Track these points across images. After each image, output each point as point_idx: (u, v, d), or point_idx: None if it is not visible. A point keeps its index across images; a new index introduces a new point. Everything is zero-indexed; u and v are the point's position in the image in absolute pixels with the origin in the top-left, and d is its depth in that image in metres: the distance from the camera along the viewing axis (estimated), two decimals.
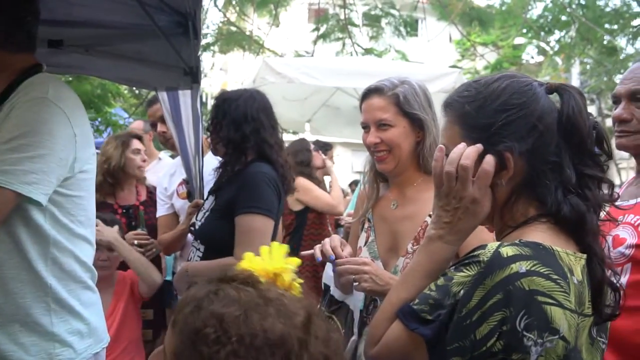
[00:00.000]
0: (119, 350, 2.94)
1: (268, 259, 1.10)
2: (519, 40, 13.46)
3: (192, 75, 2.87)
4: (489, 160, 1.22)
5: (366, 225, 2.17)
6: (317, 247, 1.94)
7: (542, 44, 12.18)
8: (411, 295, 1.24)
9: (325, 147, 5.82)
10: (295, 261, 1.13)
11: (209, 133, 2.71)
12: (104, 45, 2.83)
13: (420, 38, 15.81)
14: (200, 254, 2.57)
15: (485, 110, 1.24)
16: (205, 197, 2.88)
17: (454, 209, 1.25)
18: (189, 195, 3.13)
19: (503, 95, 1.24)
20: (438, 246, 1.28)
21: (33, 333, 1.75)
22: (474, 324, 1.10)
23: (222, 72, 22.29)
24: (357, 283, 1.86)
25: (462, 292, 1.13)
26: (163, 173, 3.75)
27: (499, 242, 1.16)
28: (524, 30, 10.81)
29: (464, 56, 16.05)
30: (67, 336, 1.81)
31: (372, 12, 9.18)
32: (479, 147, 1.23)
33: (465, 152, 1.23)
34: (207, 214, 2.62)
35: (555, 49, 11.40)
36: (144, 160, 3.76)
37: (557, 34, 10.67)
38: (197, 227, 2.65)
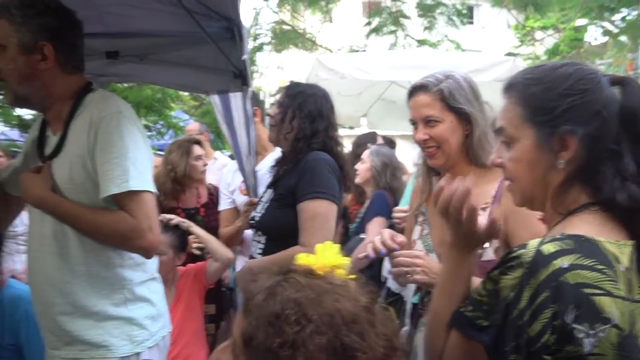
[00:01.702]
0: (182, 343, 3.08)
1: (323, 256, 1.17)
2: (581, 21, 12.94)
3: (242, 78, 2.94)
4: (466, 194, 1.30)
5: (420, 219, 2.19)
6: (369, 246, 1.98)
7: (606, 24, 11.66)
8: (453, 303, 1.30)
9: (390, 145, 5.74)
10: (348, 260, 1.18)
11: (271, 122, 2.73)
12: (157, 53, 2.94)
13: (476, 25, 15.48)
14: (262, 246, 2.62)
15: (551, 93, 1.26)
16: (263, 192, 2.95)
17: (453, 231, 1.35)
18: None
19: (570, 80, 1.25)
20: (457, 253, 1.36)
21: (114, 319, 1.96)
22: (526, 323, 1.12)
23: (279, 70, 22.52)
24: (409, 275, 1.89)
25: (511, 294, 1.16)
26: (227, 169, 3.91)
27: (539, 240, 1.18)
28: (585, 11, 10.36)
29: (523, 42, 15.56)
30: (143, 320, 2.02)
31: (425, 2, 9.08)
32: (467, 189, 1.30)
33: (456, 197, 1.30)
34: (266, 205, 2.67)
35: (621, 27, 10.89)
36: (205, 165, 3.96)
37: (623, 13, 10.20)
38: (257, 219, 2.69)
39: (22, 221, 4.88)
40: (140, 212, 1.88)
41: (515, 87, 1.32)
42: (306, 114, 2.62)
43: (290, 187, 2.55)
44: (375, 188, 4.06)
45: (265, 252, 2.60)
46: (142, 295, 2.02)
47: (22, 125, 12.26)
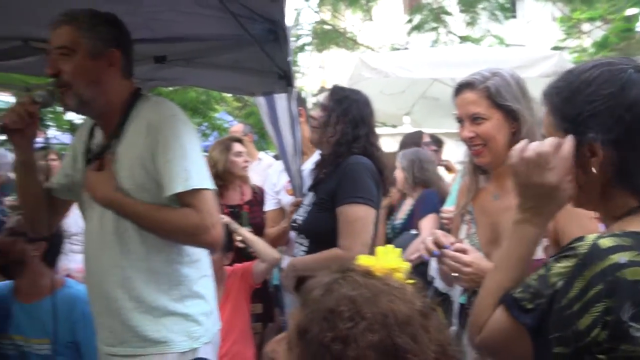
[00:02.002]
0: (231, 341, 3.13)
1: (383, 258, 1.18)
2: (632, 11, 12.47)
3: (287, 79, 2.96)
4: (566, 147, 1.24)
5: (467, 218, 2.18)
6: (422, 247, 1.98)
7: None
8: (508, 282, 1.29)
9: (437, 144, 5.64)
10: (407, 264, 1.19)
11: (313, 124, 2.78)
12: (203, 57, 3.00)
13: (519, 19, 15.17)
14: (305, 248, 2.67)
15: (573, 102, 1.25)
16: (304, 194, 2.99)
17: (535, 195, 1.29)
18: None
19: (592, 86, 1.23)
20: (525, 229, 1.32)
21: (173, 315, 2.03)
22: (575, 315, 1.10)
23: (320, 70, 22.57)
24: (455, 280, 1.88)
25: (560, 282, 1.15)
26: (273, 169, 3.97)
27: (597, 234, 1.17)
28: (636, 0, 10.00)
29: (569, 34, 15.13)
30: (199, 316, 2.08)
31: None
32: (567, 139, 1.24)
33: (546, 140, 1.25)
34: (308, 208, 2.72)
35: None
36: (246, 161, 4.05)
37: None
38: (299, 222, 2.74)
39: (77, 222, 5.06)
40: (204, 209, 1.97)
41: (547, 96, 1.32)
42: (350, 120, 2.68)
43: (331, 191, 2.60)
44: (411, 186, 4.17)
45: (308, 253, 2.65)
46: (197, 291, 2.09)
47: (73, 129, 12.66)
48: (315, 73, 19.10)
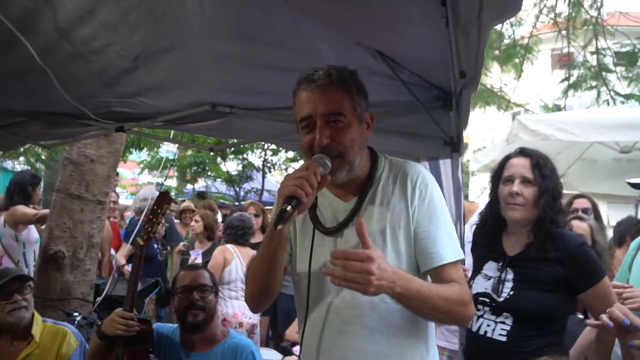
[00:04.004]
0: None
1: None
2: None
3: (452, 145, 2.96)
4: None
5: None
6: (604, 316, 1.86)
7: None
8: None
9: None
10: None
11: (518, 201, 2.63)
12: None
13: None
14: (508, 327, 2.52)
15: None
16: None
17: None
18: None
19: None
20: None
21: None
22: None
23: None
24: None
25: None
26: None
27: None
28: None
29: None
30: None
31: (626, 50, 8.41)
32: None
33: None
34: (508, 284, 2.58)
35: None
36: None
37: None
38: (498, 299, 2.59)
39: (237, 270, 5.36)
40: (462, 281, 1.86)
41: None
42: (558, 194, 2.64)
43: (555, 273, 2.51)
44: None
45: (511, 334, 2.50)
46: (434, 348, 2.00)
47: (230, 180, 13.47)
48: None
